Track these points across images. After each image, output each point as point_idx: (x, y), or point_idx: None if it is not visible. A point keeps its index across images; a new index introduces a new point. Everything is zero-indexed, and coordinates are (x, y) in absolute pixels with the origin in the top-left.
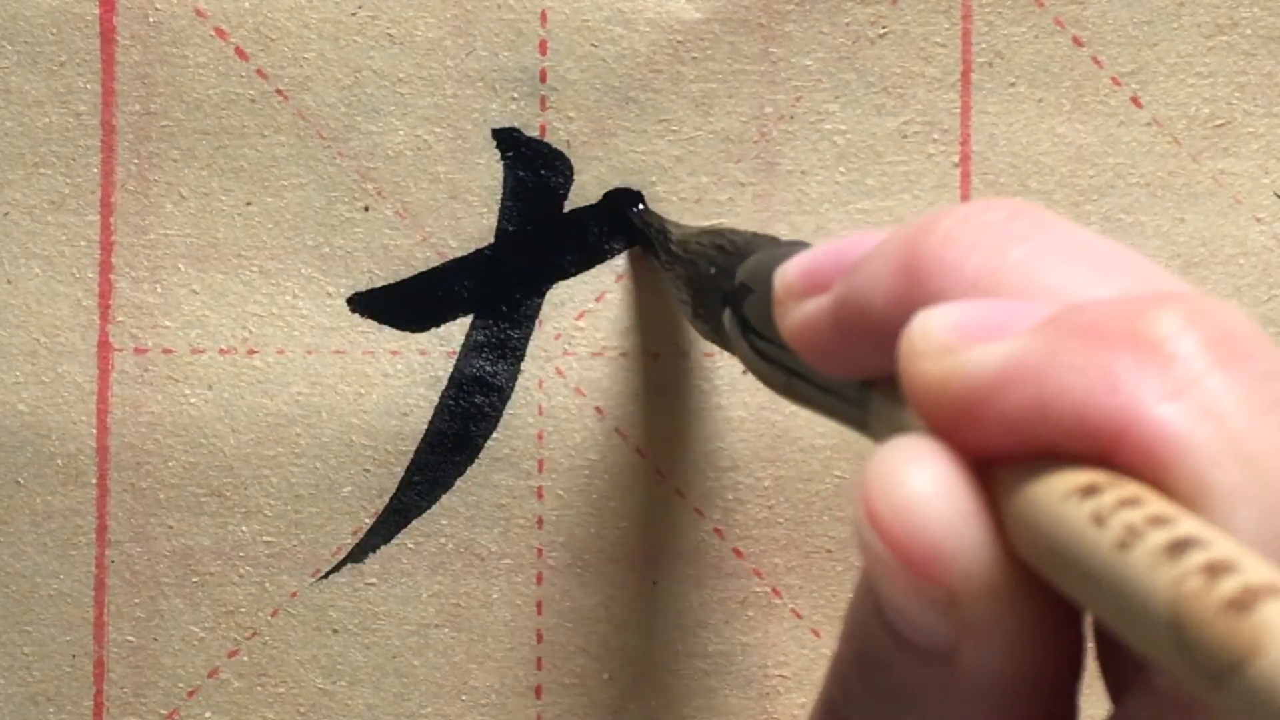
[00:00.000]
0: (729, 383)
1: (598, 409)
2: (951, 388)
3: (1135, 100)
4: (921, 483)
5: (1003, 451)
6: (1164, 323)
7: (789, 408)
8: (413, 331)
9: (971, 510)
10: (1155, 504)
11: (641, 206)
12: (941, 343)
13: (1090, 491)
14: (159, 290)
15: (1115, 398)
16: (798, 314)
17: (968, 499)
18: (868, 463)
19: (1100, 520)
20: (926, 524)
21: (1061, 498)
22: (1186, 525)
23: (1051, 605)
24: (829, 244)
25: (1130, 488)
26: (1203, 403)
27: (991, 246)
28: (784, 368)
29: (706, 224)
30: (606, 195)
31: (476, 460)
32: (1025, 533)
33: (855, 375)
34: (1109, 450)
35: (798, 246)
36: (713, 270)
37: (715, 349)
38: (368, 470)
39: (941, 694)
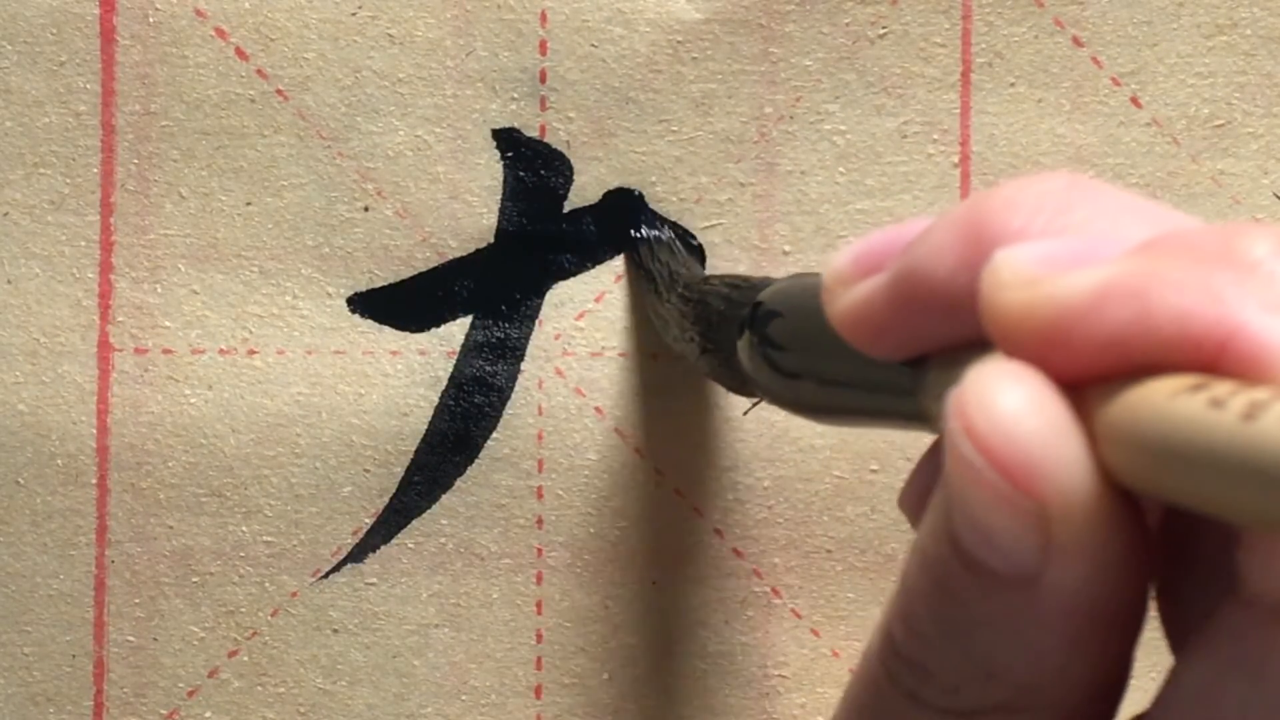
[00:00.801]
0: None
1: (597, 409)
2: (1042, 313)
3: (1135, 100)
4: (1019, 397)
5: (1091, 373)
6: (1259, 246)
7: None
8: (413, 331)
9: (1068, 425)
10: (1269, 389)
11: (645, 234)
12: (1029, 274)
13: (1199, 387)
14: (159, 290)
15: (1221, 309)
16: (851, 296)
17: (1064, 414)
18: (962, 383)
19: (1219, 403)
20: (1026, 436)
21: (1170, 395)
22: None
23: (1134, 530)
24: (877, 232)
25: (1236, 384)
26: None
27: (1056, 207)
28: (817, 379)
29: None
30: (606, 195)
31: (476, 460)
32: (1129, 442)
33: (909, 352)
34: (1212, 359)
35: (818, 276)
36: (723, 307)
37: None
38: (368, 470)
39: (1020, 622)
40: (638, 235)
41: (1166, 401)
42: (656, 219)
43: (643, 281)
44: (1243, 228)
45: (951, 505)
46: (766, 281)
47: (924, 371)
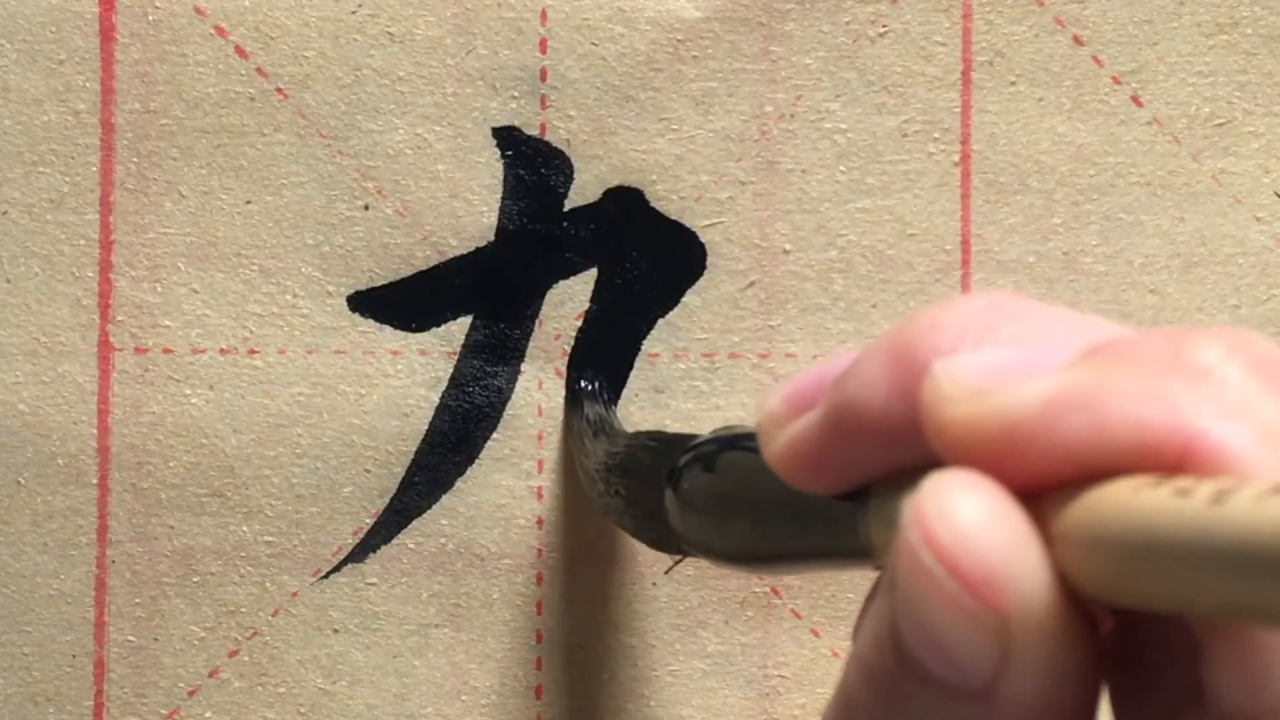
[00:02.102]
0: (728, 383)
1: None
2: (992, 426)
3: (1135, 99)
4: (980, 507)
5: (1045, 483)
6: (1207, 352)
7: None
8: (413, 331)
9: (1028, 536)
10: (1233, 479)
11: (590, 384)
12: (972, 385)
13: (1162, 482)
14: (159, 289)
15: (1178, 417)
16: (785, 435)
17: (1024, 524)
18: (919, 492)
19: (1185, 492)
20: (988, 547)
21: (1133, 491)
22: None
23: (1089, 640)
24: (805, 372)
25: (1198, 478)
26: (1261, 422)
27: (983, 326)
28: (752, 525)
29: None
30: (606, 194)
31: (477, 460)
32: (1091, 544)
33: (848, 484)
34: (1173, 467)
35: (744, 428)
36: (650, 460)
37: (714, 349)
38: (368, 470)
39: None
40: (576, 387)
41: (1130, 496)
42: (590, 372)
43: (570, 434)
44: (1187, 334)
45: (901, 615)
46: (692, 437)
47: (864, 502)
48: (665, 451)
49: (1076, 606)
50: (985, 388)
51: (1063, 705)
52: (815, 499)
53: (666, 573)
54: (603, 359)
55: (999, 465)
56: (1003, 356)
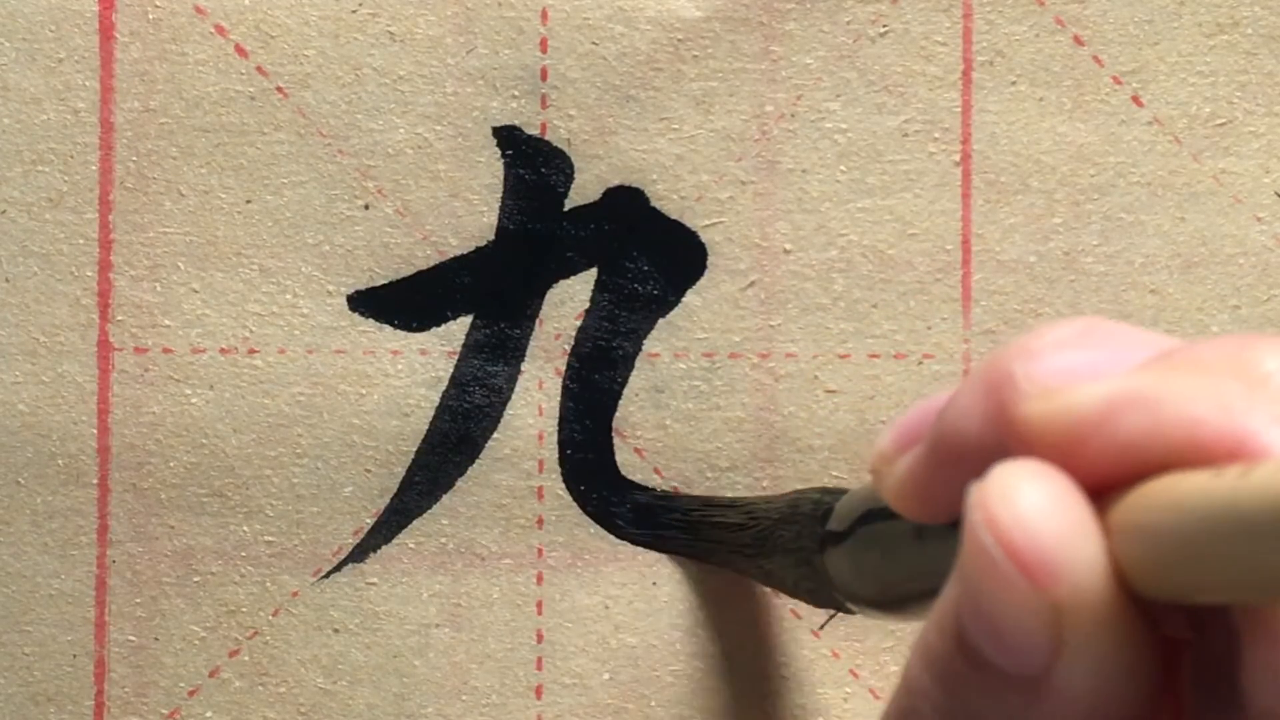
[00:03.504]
0: (728, 383)
1: None
2: (1059, 421)
3: (1136, 99)
4: (1042, 494)
5: (1106, 480)
6: (1269, 360)
7: (788, 408)
8: (413, 330)
9: (1088, 525)
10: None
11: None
12: (1046, 386)
13: (1220, 472)
14: (159, 289)
15: (1230, 419)
16: (895, 472)
17: (1085, 514)
18: (986, 478)
19: (1220, 473)
20: (1047, 532)
21: (1178, 478)
22: None
23: (1146, 643)
24: (911, 410)
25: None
26: None
27: (1070, 348)
28: (887, 571)
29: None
30: (607, 194)
31: (477, 460)
32: (1139, 530)
33: (957, 512)
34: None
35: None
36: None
37: (714, 349)
38: (369, 470)
39: None
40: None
41: (1173, 484)
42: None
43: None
44: (1251, 341)
45: (962, 598)
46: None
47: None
48: (804, 521)
49: (1135, 607)
50: (1058, 388)
51: (1116, 704)
52: (934, 529)
53: (821, 627)
54: (602, 367)
55: (1064, 460)
56: (1077, 359)
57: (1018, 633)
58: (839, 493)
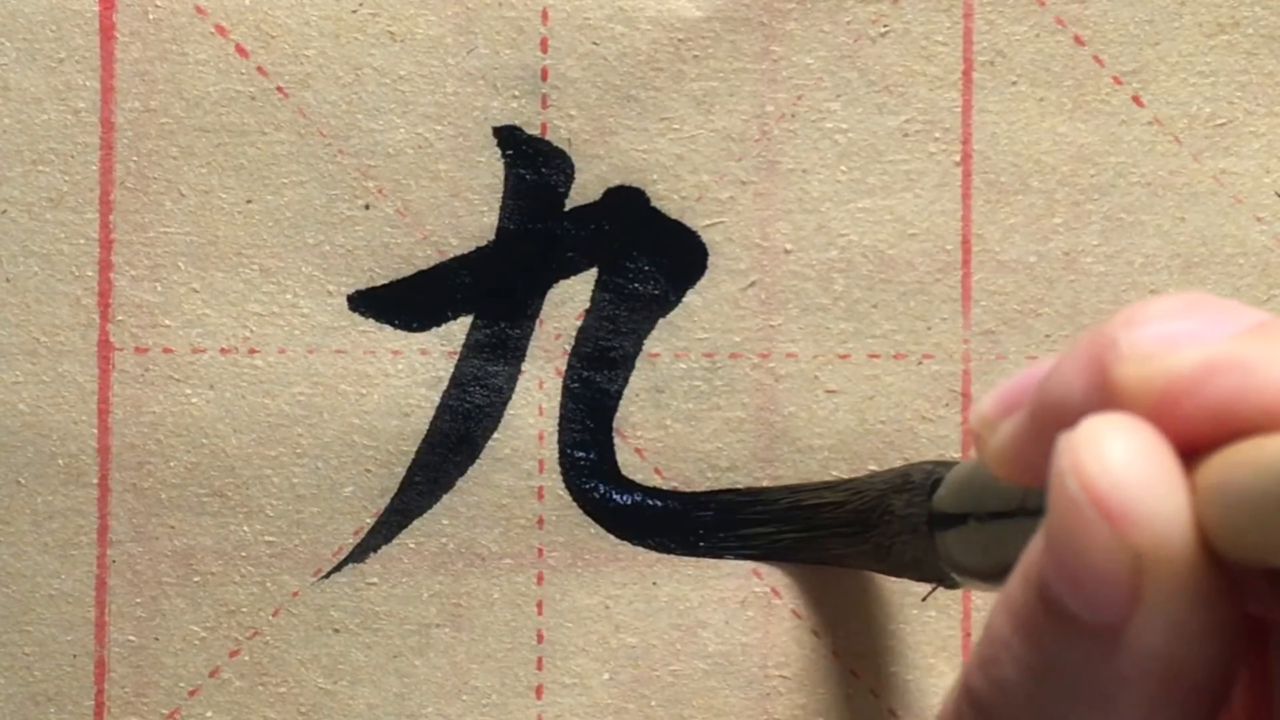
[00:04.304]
0: (728, 383)
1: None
2: (1153, 383)
3: (1136, 99)
4: (1130, 444)
5: (1198, 442)
6: None
7: (788, 408)
8: (414, 330)
9: (1173, 479)
10: None
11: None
12: (1145, 350)
13: None
14: (159, 289)
15: None
16: (997, 436)
17: (1171, 468)
18: (1076, 428)
19: None
20: (1131, 481)
21: (1260, 442)
22: None
23: (1226, 609)
24: (1010, 378)
25: None
26: None
27: (1175, 319)
28: (995, 537)
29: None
30: (607, 194)
31: (478, 460)
32: (1218, 492)
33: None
34: None
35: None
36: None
37: (715, 349)
38: (369, 470)
39: (1096, 677)
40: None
41: (1260, 444)
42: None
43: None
44: None
45: (1046, 545)
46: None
47: None
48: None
49: (1218, 570)
50: (1157, 352)
51: (1191, 665)
52: (1040, 498)
53: (924, 599)
54: (603, 364)
55: (1158, 420)
56: (1177, 327)
57: (1096, 579)
58: (950, 464)
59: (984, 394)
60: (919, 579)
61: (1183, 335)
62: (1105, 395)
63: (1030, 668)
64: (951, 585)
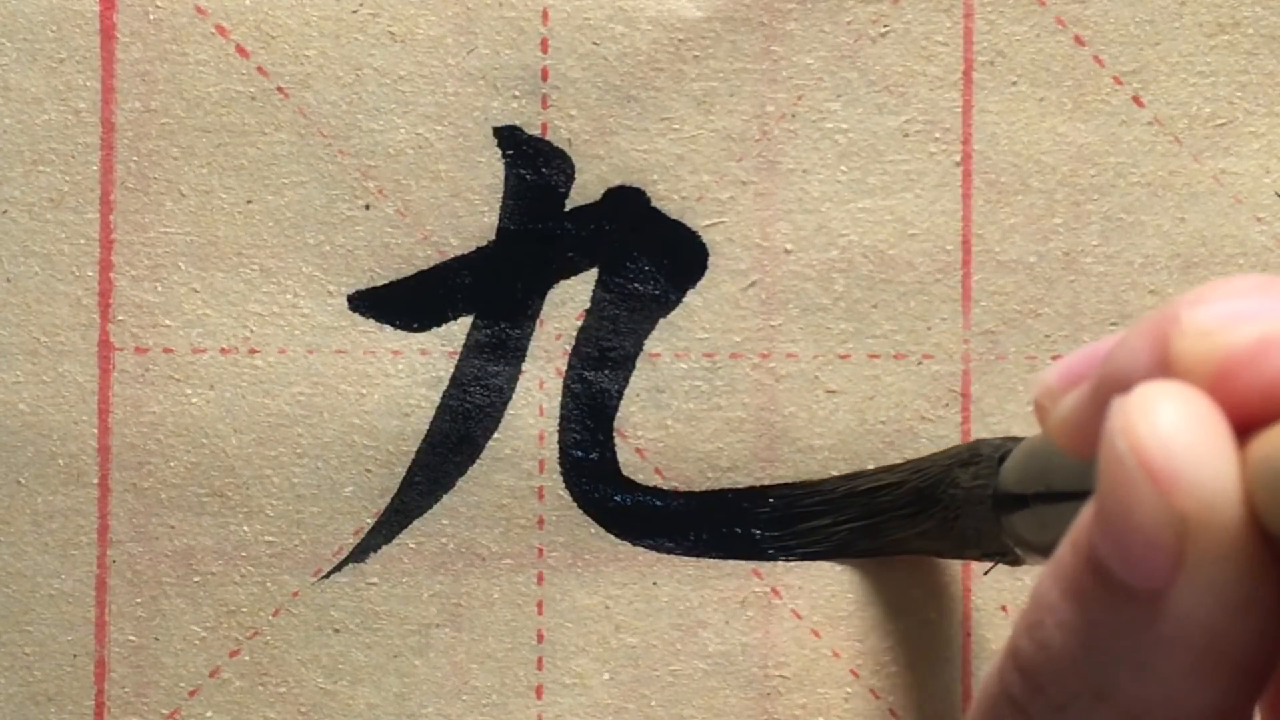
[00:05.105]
0: (729, 383)
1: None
2: (1211, 356)
3: (1137, 99)
4: (1182, 409)
5: (1252, 417)
6: None
7: (788, 408)
8: (414, 331)
9: (1223, 447)
10: None
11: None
12: (1205, 326)
13: None
14: (159, 289)
15: None
16: (1060, 408)
17: (1221, 436)
18: (1130, 393)
19: None
20: (1181, 445)
21: None
22: None
23: (1268, 581)
24: (1075, 352)
25: None
26: None
27: (1244, 298)
28: (1056, 511)
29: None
30: (608, 194)
31: (478, 460)
32: (1268, 470)
33: None
34: None
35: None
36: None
37: (715, 349)
38: (369, 470)
39: (1138, 641)
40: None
41: None
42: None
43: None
44: None
45: (1095, 508)
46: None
47: None
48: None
49: (1264, 545)
50: (1217, 328)
51: (1234, 634)
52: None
53: (985, 573)
54: (605, 362)
55: (1214, 393)
56: (1241, 306)
57: (1141, 543)
58: (1016, 440)
59: (1047, 366)
60: (981, 556)
61: (1245, 313)
62: (1165, 369)
63: (1075, 631)
64: (1014, 561)
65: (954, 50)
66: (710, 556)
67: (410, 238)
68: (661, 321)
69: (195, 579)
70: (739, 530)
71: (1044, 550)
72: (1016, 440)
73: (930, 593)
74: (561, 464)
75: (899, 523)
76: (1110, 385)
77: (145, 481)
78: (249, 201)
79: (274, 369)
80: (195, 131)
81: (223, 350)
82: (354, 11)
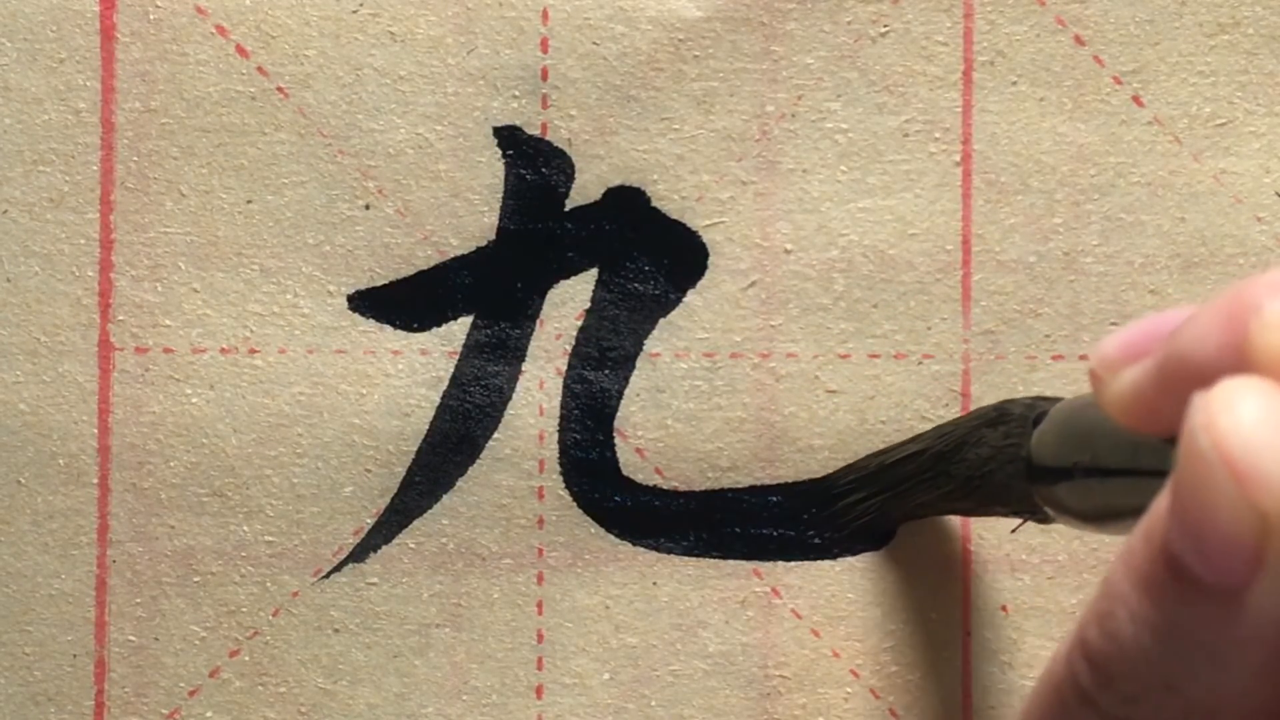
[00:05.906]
0: (729, 383)
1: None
2: None
3: (1137, 99)
4: (1265, 408)
5: None
6: None
7: (789, 408)
8: (414, 331)
9: None
10: None
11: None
12: None
13: None
14: (159, 289)
15: None
16: (1121, 381)
17: None
18: (1214, 387)
19: None
20: (1264, 443)
21: None
22: None
23: None
24: (1136, 323)
25: None
26: None
27: None
28: (1098, 480)
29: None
30: (608, 194)
31: (478, 460)
32: None
33: (1176, 430)
34: None
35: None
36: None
37: (715, 349)
38: (369, 470)
39: (1212, 638)
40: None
41: None
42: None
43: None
44: None
45: (1172, 504)
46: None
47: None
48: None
49: None
50: None
51: None
52: (1151, 446)
53: (1014, 531)
54: (605, 361)
55: None
56: None
57: (1220, 540)
58: (1050, 400)
59: (1105, 337)
60: (1009, 512)
61: None
62: (1240, 358)
63: (1148, 625)
64: (1043, 519)
65: (954, 50)
66: (710, 556)
67: (410, 238)
68: (661, 321)
69: (195, 579)
70: (738, 530)
71: (1083, 516)
72: (1048, 400)
73: (930, 593)
74: (561, 464)
75: (924, 486)
76: (1176, 366)
77: (145, 481)
78: (249, 201)
79: (274, 369)
80: (195, 131)
81: (223, 350)
82: (354, 11)
